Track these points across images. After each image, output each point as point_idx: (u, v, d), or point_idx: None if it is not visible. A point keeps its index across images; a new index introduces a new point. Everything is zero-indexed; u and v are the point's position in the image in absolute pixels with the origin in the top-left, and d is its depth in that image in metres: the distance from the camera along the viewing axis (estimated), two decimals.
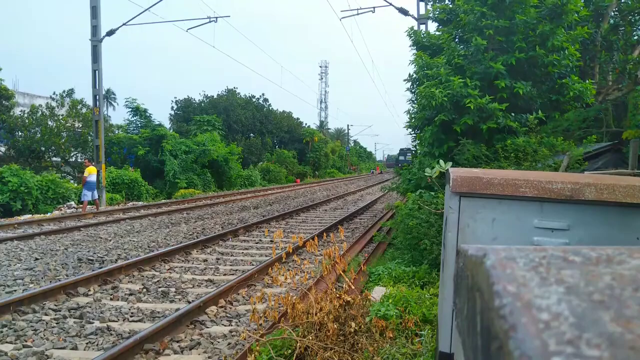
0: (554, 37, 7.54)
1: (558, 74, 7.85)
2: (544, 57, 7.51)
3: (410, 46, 9.54)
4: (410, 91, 10.13)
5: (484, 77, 7.61)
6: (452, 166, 3.79)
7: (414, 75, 9.36)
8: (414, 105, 9.69)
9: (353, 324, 3.24)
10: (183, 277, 6.44)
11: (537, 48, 7.46)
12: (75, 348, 4.01)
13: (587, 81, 8.04)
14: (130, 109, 23.92)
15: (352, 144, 73.39)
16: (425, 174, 4.08)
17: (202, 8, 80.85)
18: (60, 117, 20.79)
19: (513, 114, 7.64)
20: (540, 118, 7.09)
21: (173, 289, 5.82)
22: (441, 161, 4.02)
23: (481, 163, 6.72)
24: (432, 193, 6.44)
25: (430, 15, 10.12)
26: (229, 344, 4.17)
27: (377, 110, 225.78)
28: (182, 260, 7.55)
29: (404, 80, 9.79)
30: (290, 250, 4.14)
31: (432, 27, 11.88)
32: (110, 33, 16.35)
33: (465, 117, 7.26)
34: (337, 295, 3.44)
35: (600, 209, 1.91)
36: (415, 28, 10.31)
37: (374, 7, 16.24)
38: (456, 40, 9.01)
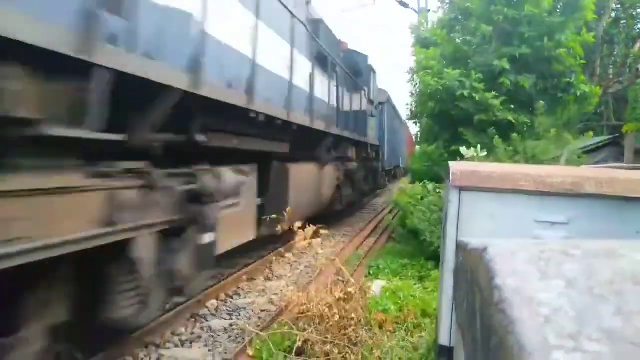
0: (563, 31, 7.47)
1: (562, 72, 7.81)
2: (551, 49, 7.44)
3: (413, 44, 9.55)
4: (411, 84, 10.21)
5: (488, 72, 7.58)
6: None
7: (414, 69, 9.44)
8: (414, 96, 9.76)
9: (353, 317, 3.26)
10: None
11: (546, 40, 7.37)
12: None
13: (592, 78, 8.03)
14: None
15: None
16: (462, 152, 4.15)
17: None
18: None
19: (513, 106, 7.63)
20: (541, 113, 7.10)
21: None
22: (478, 147, 4.10)
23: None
24: (436, 184, 6.45)
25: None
26: (229, 337, 4.19)
27: None
28: None
29: (406, 72, 9.89)
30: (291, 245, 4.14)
31: (432, 19, 11.84)
32: None
33: (462, 104, 7.27)
34: (337, 289, 3.45)
35: (600, 202, 1.92)
36: (416, 21, 10.29)
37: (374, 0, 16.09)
38: (457, 30, 8.93)
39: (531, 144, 6.25)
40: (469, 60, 7.83)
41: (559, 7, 7.73)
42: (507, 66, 7.34)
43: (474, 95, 7.09)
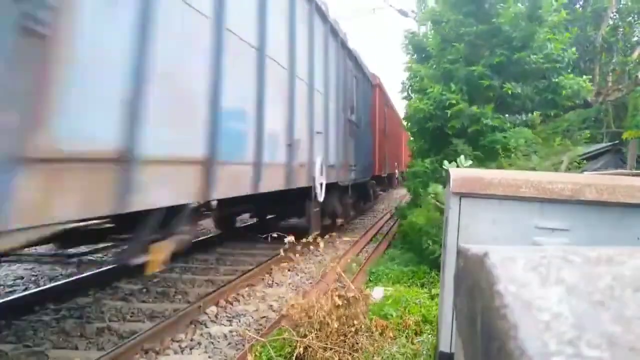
0: (535, 37, 7.57)
1: (551, 69, 7.83)
2: (525, 57, 7.54)
3: (407, 53, 9.67)
4: (406, 98, 10.41)
5: (469, 81, 7.68)
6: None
7: (407, 83, 9.70)
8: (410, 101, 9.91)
9: (354, 324, 3.24)
10: (183, 277, 6.44)
11: (518, 52, 7.51)
12: (75, 348, 4.01)
13: (582, 77, 8.03)
14: None
15: None
16: (444, 167, 4.16)
17: None
18: None
19: (507, 115, 7.70)
20: (538, 117, 7.17)
21: (173, 289, 5.82)
22: (462, 157, 4.05)
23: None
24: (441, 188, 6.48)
25: (419, 19, 10.32)
26: (229, 344, 4.17)
27: None
28: (182, 261, 7.55)
29: (401, 86, 10.09)
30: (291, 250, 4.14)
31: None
32: None
33: (453, 121, 7.43)
34: (338, 295, 3.45)
35: (601, 209, 1.92)
36: (415, 30, 10.43)
37: (373, 9, 16.12)
38: (445, 44, 9.09)
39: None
40: (453, 75, 7.93)
41: (525, 16, 7.80)
42: (484, 71, 7.44)
43: (459, 105, 7.22)
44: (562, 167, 6.18)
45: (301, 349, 3.13)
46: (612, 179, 2.17)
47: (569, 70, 8.11)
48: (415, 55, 9.33)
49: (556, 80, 7.74)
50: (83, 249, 5.80)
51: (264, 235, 4.25)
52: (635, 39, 13.50)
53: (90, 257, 6.48)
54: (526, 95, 7.69)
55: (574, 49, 8.07)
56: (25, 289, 5.67)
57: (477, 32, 7.65)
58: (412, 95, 9.63)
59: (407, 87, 10.05)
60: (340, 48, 8.72)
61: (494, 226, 2.01)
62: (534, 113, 7.32)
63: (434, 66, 8.16)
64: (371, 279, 5.92)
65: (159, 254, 3.32)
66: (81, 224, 3.60)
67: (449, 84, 7.55)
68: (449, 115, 7.32)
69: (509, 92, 7.37)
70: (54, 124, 2.21)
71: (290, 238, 3.67)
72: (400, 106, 18.08)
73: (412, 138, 10.57)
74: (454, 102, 7.25)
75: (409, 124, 9.24)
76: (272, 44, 5.29)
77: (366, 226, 11.44)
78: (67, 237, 3.77)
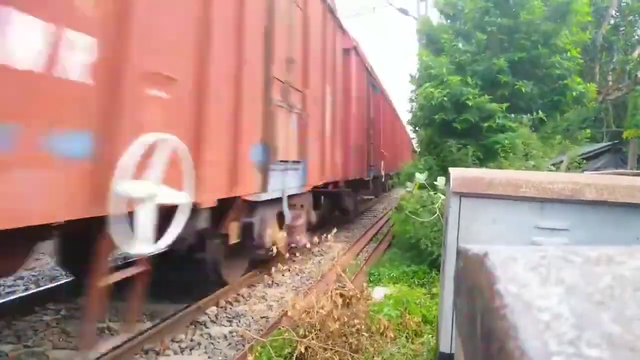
0: (557, 37, 7.56)
1: (560, 75, 7.84)
2: (546, 56, 7.52)
3: (418, 40, 9.59)
4: (413, 92, 10.28)
5: (486, 76, 7.63)
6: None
7: (417, 75, 9.51)
8: (415, 103, 9.81)
9: (354, 324, 3.24)
10: (183, 276, 6.43)
11: (540, 48, 7.47)
12: (75, 348, 4.01)
13: (588, 84, 8.05)
14: None
15: None
16: (414, 181, 4.20)
17: None
18: None
19: (513, 115, 7.68)
20: (541, 118, 7.13)
21: (173, 289, 5.81)
22: (417, 174, 4.21)
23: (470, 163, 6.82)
24: (432, 193, 6.45)
25: (435, 6, 10.12)
26: (229, 344, 4.17)
27: None
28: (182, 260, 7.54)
29: (409, 81, 9.92)
30: (290, 250, 4.14)
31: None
32: None
33: (466, 115, 7.31)
34: (339, 294, 3.44)
35: (601, 209, 1.92)
36: (418, 27, 10.37)
37: (374, 8, 16.22)
38: (458, 38, 9.02)
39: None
40: (467, 68, 7.87)
41: (550, 15, 7.77)
42: (504, 66, 7.39)
43: (478, 99, 7.14)
44: (562, 166, 6.19)
45: (301, 349, 3.13)
46: (612, 179, 2.17)
47: (575, 73, 8.12)
48: (429, 47, 9.20)
49: (565, 82, 7.72)
50: None
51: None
52: (636, 37, 13.51)
53: None
54: (531, 98, 7.69)
55: (579, 59, 8.09)
56: (26, 289, 5.67)
57: (501, 24, 7.60)
58: (417, 86, 9.55)
59: (415, 78, 9.94)
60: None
61: (494, 226, 2.01)
62: (539, 112, 7.30)
63: (448, 60, 8.07)
64: (371, 279, 5.92)
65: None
66: None
67: (464, 77, 7.49)
68: (469, 105, 7.20)
69: (522, 89, 7.36)
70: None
71: (283, 238, 3.69)
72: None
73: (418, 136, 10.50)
74: (470, 97, 7.16)
75: (418, 115, 9.12)
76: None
77: (366, 225, 11.44)
78: None
